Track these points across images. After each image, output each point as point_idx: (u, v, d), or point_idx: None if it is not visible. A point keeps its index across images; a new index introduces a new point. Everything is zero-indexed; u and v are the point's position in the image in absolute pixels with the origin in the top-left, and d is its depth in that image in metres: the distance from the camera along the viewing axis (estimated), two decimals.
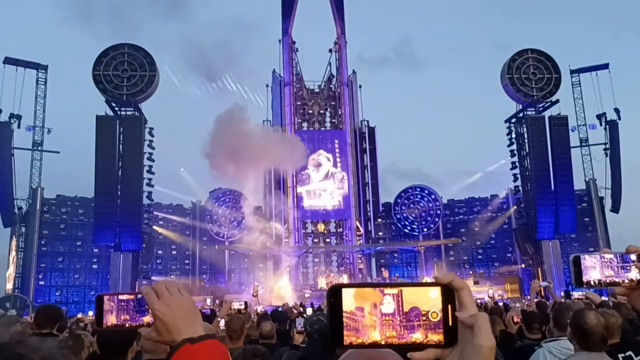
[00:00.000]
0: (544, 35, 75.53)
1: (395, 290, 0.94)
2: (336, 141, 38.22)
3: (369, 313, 0.93)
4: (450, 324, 0.93)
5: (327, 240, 37.98)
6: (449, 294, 0.94)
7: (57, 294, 34.97)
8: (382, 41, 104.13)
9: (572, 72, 38.52)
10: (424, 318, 0.93)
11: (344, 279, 33.41)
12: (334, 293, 0.94)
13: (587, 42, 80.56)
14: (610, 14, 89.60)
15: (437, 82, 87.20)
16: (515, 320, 6.42)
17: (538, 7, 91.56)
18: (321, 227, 37.67)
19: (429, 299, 0.94)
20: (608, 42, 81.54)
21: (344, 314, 0.92)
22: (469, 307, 0.95)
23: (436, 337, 0.93)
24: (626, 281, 1.42)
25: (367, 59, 64.97)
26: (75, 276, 35.75)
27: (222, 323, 6.06)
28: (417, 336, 0.93)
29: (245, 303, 8.86)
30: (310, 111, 39.48)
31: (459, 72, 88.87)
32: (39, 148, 35.55)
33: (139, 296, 1.39)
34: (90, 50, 33.86)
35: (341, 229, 38.04)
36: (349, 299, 0.93)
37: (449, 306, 0.94)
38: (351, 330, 0.92)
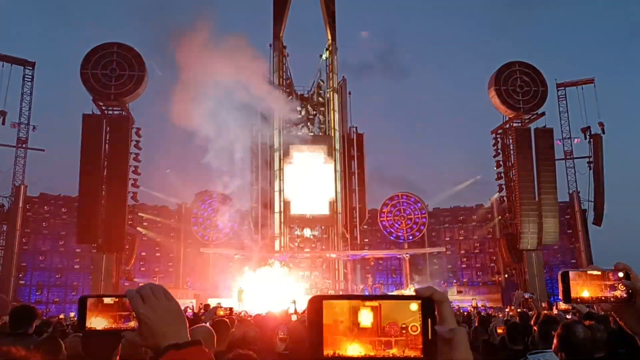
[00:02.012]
0: (528, 48, 76.66)
1: (375, 303, 0.94)
2: (324, 147, 38.23)
3: (349, 326, 0.93)
4: (430, 337, 0.94)
5: (313, 245, 37.92)
6: (429, 307, 0.95)
7: (37, 293, 34.47)
8: (365, 47, 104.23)
9: (558, 85, 39.07)
10: (403, 331, 0.93)
11: (329, 285, 33.38)
12: (315, 304, 0.94)
13: (572, 56, 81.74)
14: (595, 29, 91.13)
15: (420, 90, 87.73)
16: (499, 331, 6.46)
17: (522, 20, 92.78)
18: (307, 232, 37.61)
19: (409, 312, 0.94)
20: (593, 57, 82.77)
21: (324, 326, 0.93)
22: (448, 320, 0.96)
23: (414, 353, 0.93)
24: (612, 299, 1.43)
25: (350, 65, 65.24)
26: (57, 276, 35.29)
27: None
28: (395, 351, 0.93)
29: (231, 309, 8.82)
30: (299, 116, 39.48)
31: (442, 81, 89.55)
32: (24, 145, 35.15)
33: (124, 299, 1.37)
34: (79, 47, 33.60)
35: (327, 235, 38.01)
36: (330, 311, 0.94)
37: (429, 319, 0.94)
38: (330, 342, 0.93)
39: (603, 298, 1.44)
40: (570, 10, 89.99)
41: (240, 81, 31.46)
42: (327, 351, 0.92)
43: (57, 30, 79.62)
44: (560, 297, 1.51)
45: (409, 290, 30.80)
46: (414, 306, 0.94)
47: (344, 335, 0.93)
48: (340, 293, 33.02)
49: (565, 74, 51.55)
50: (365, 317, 0.93)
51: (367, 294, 32.23)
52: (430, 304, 0.95)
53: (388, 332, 0.93)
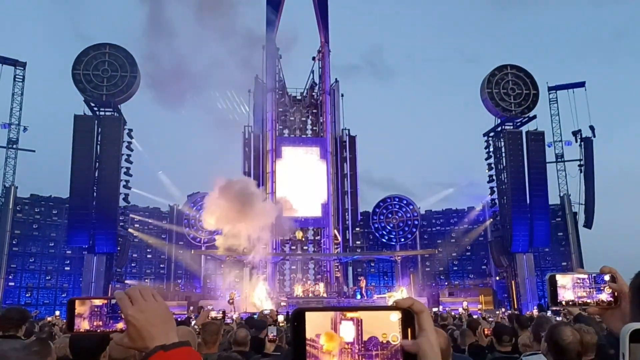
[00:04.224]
0: (517, 51, 77.21)
1: (356, 315, 0.95)
2: (316, 149, 38.26)
3: (330, 341, 0.94)
4: None
5: (305, 247, 37.88)
6: (409, 318, 0.97)
7: (27, 295, 34.17)
8: (352, 49, 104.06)
9: (549, 89, 39.32)
10: (384, 342, 0.95)
11: (321, 287, 33.33)
12: (298, 317, 0.95)
13: (559, 59, 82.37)
14: (583, 33, 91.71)
15: (408, 93, 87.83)
16: (486, 332, 6.46)
17: (504, 24, 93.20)
18: (299, 234, 37.56)
19: (390, 323, 0.96)
20: (581, 59, 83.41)
21: (307, 340, 0.94)
22: (427, 330, 0.98)
23: None
24: (598, 302, 1.45)
25: (338, 67, 65.24)
26: (47, 278, 34.98)
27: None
28: None
29: (224, 312, 8.79)
30: (292, 118, 39.53)
31: (430, 83, 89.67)
32: (14, 146, 34.85)
33: (113, 301, 1.37)
34: (71, 47, 33.45)
35: (319, 237, 38.00)
36: (312, 324, 0.94)
37: (409, 330, 0.96)
38: (312, 357, 0.93)
39: (589, 301, 1.46)
40: (556, 12, 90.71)
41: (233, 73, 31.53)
42: None
43: (49, 30, 79.11)
44: (547, 300, 1.53)
45: (401, 293, 30.82)
46: (394, 317, 0.96)
47: (325, 349, 0.93)
48: (333, 296, 33.02)
49: (553, 77, 51.81)
50: (347, 330, 0.94)
51: (358, 294, 32.30)
52: (410, 314, 0.97)
53: (369, 346, 0.94)
